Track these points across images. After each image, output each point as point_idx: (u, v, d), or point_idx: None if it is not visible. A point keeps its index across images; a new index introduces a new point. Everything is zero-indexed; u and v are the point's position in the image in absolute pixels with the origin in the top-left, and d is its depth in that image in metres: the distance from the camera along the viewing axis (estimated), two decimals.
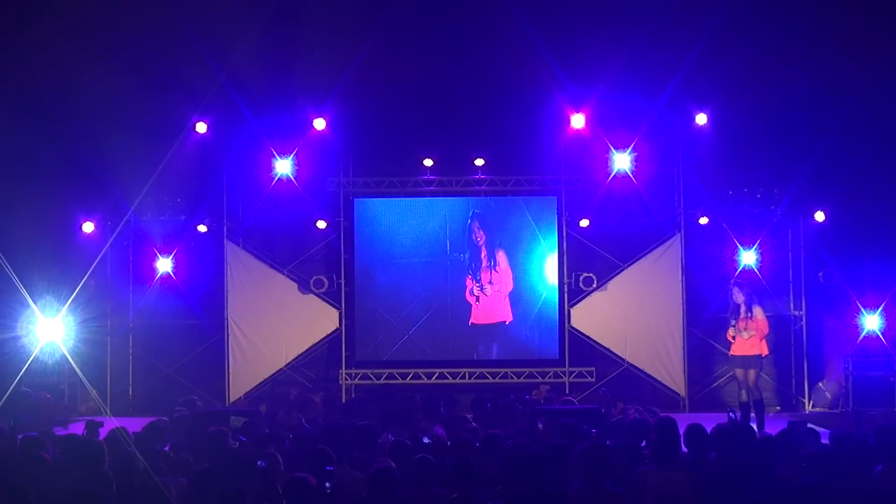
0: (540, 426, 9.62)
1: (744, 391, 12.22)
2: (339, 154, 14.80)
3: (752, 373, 12.08)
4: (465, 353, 14.80)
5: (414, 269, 14.77)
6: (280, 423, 10.67)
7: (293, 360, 14.71)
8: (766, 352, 12.25)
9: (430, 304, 14.75)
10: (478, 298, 14.75)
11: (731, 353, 12.29)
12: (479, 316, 14.78)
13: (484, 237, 14.82)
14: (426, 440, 8.33)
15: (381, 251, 14.82)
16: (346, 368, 14.72)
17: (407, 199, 14.89)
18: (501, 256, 14.81)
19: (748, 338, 12.00)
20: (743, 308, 12.00)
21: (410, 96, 13.58)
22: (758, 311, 12.03)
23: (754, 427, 12.04)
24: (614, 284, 14.64)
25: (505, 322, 14.79)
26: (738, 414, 12.08)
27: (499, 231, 14.83)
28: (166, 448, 8.52)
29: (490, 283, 14.78)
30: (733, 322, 12.10)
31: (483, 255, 14.80)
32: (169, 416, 10.83)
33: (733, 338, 12.13)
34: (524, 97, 13.75)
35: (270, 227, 15.02)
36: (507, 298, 14.78)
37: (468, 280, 14.78)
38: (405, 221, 14.82)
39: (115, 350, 14.79)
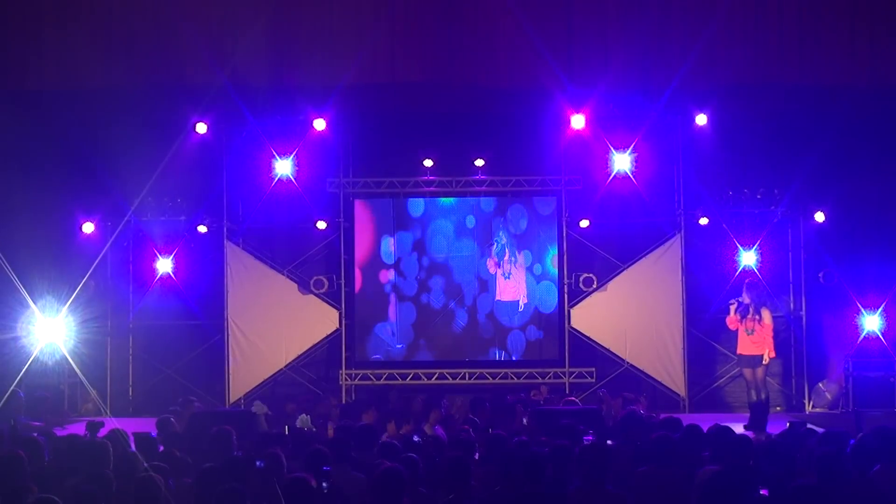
0: (524, 421, 9.61)
1: (752, 391, 12.28)
2: (339, 155, 14.80)
3: (759, 371, 12.18)
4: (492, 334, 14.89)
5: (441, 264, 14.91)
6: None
7: (293, 360, 14.71)
8: (773, 354, 12.29)
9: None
10: (506, 275, 14.84)
11: (738, 352, 12.41)
12: (503, 292, 14.85)
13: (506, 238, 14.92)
14: (416, 438, 8.33)
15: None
16: (346, 369, 14.72)
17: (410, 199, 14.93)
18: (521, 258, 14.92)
19: (749, 335, 12.11)
20: (751, 308, 12.12)
21: (410, 97, 13.56)
22: (765, 314, 12.13)
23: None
24: (614, 285, 14.64)
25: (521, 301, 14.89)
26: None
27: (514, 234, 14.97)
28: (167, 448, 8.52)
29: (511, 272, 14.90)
30: (734, 304, 12.24)
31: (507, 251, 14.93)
32: (165, 419, 10.81)
33: (740, 324, 12.21)
34: (524, 97, 13.72)
35: (270, 228, 15.03)
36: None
37: (492, 262, 14.88)
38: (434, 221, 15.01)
39: (115, 350, 14.80)
